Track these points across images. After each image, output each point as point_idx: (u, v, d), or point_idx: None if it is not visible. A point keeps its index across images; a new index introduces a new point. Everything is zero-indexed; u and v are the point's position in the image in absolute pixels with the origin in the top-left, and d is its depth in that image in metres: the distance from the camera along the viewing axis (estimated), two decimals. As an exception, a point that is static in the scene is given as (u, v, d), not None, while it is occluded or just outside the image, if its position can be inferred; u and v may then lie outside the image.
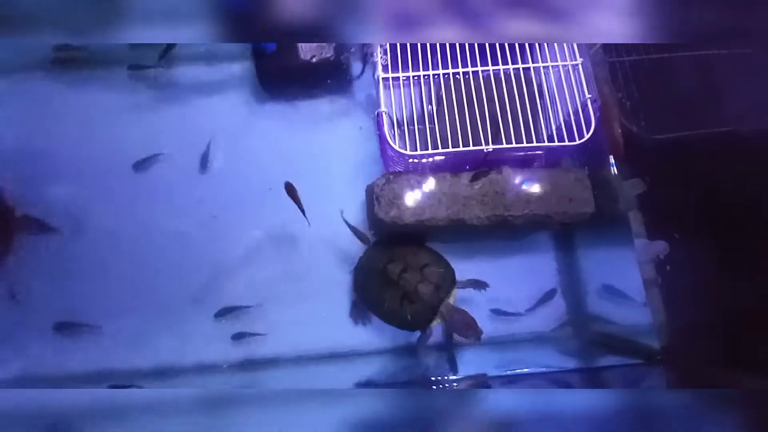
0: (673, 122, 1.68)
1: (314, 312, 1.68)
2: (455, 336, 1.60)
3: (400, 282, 1.49)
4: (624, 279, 1.65)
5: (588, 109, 1.48)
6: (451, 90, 1.60)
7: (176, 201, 1.79)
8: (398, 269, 1.50)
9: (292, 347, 1.65)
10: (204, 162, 1.81)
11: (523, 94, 1.54)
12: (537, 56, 1.63)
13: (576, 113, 1.50)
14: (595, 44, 1.75)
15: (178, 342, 1.64)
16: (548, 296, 1.69)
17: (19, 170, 1.80)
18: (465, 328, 1.45)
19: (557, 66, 1.57)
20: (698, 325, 1.48)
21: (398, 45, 1.58)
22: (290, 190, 1.49)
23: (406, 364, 1.67)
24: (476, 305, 1.63)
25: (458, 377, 1.55)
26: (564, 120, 1.55)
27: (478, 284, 1.60)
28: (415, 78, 1.60)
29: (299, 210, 1.50)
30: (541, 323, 1.69)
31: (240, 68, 1.92)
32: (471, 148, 1.49)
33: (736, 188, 1.48)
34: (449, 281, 1.52)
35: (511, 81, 1.56)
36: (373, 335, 1.68)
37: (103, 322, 1.65)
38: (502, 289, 1.68)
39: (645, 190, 1.62)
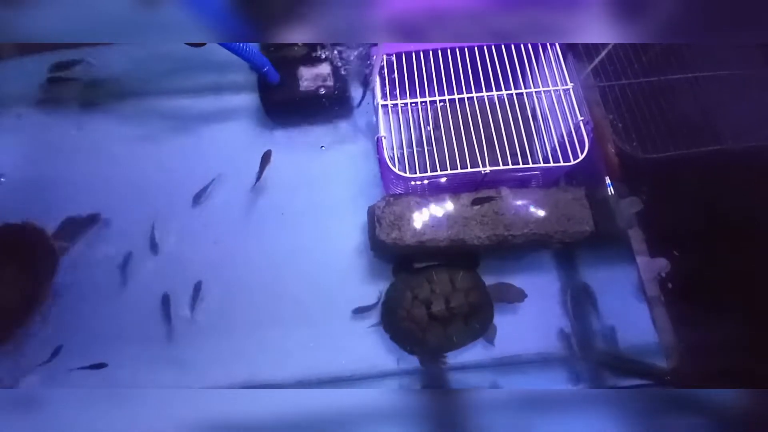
0: (664, 142, 1.72)
1: (315, 335, 1.67)
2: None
3: (454, 313, 1.55)
4: (627, 297, 1.64)
5: (581, 131, 1.52)
6: (448, 115, 1.65)
7: (183, 226, 1.82)
8: (443, 305, 1.54)
9: (292, 371, 1.63)
10: (200, 195, 1.86)
11: (518, 117, 1.60)
12: (529, 82, 1.70)
13: (570, 135, 1.54)
14: (585, 69, 1.83)
15: (176, 367, 1.62)
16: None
17: (33, 200, 1.85)
18: (509, 295, 1.66)
19: (549, 91, 1.63)
20: (706, 343, 1.46)
21: (396, 74, 1.66)
22: (266, 156, 1.79)
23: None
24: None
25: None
26: (558, 142, 1.59)
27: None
28: (413, 104, 1.66)
29: (259, 172, 1.78)
30: (546, 344, 1.67)
31: (246, 99, 2.00)
32: (469, 169, 1.53)
33: (731, 204, 1.50)
34: (474, 274, 1.64)
35: (506, 106, 1.62)
36: (373, 358, 1.65)
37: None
38: (505, 310, 1.67)
39: (642, 208, 1.64)
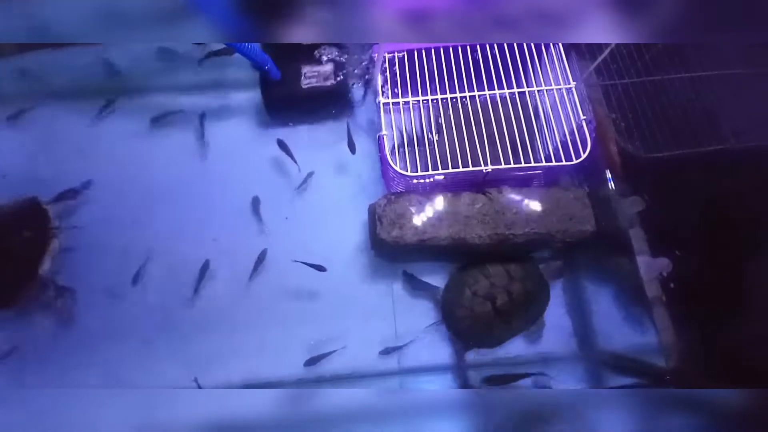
0: (667, 141, 1.72)
1: (315, 333, 1.67)
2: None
3: (517, 303, 1.57)
4: (628, 297, 1.64)
5: (583, 130, 1.52)
6: (449, 113, 1.65)
7: (181, 223, 1.82)
8: (507, 297, 1.57)
9: (292, 369, 1.63)
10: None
11: (520, 116, 1.59)
12: (531, 81, 1.69)
13: (572, 134, 1.54)
14: (588, 68, 1.82)
15: (177, 364, 1.63)
16: None
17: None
18: (559, 273, 1.72)
19: (552, 89, 1.62)
20: (707, 343, 1.46)
21: (398, 71, 1.65)
22: (282, 144, 1.82)
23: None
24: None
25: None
26: (561, 141, 1.58)
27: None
28: (415, 103, 1.66)
29: (291, 159, 1.82)
30: (547, 344, 1.67)
31: (247, 96, 2.00)
32: (471, 168, 1.52)
33: (734, 204, 1.50)
34: (525, 260, 1.66)
35: (508, 104, 1.62)
36: (374, 357, 1.65)
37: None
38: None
39: (644, 207, 1.64)
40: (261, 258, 1.74)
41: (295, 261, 1.64)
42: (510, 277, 1.59)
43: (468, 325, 1.58)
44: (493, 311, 1.56)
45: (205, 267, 1.72)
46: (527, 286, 1.59)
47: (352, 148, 1.77)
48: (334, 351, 1.62)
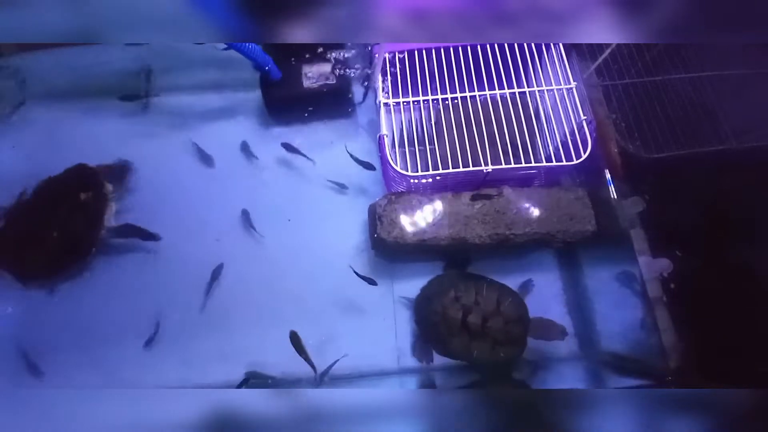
0: (667, 141, 1.72)
1: (315, 333, 1.67)
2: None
3: (487, 333, 1.49)
4: (629, 297, 1.63)
5: (584, 130, 1.52)
6: (450, 114, 1.65)
7: (185, 224, 1.82)
8: (479, 320, 1.49)
9: (292, 369, 1.62)
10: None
11: (520, 116, 1.59)
12: (532, 81, 1.69)
13: (572, 134, 1.54)
14: (589, 68, 1.83)
15: (178, 364, 1.63)
16: None
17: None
18: (549, 332, 1.56)
19: (552, 89, 1.62)
20: (707, 343, 1.46)
21: (398, 71, 1.65)
22: (288, 146, 1.81)
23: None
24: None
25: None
26: (561, 141, 1.58)
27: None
28: (415, 103, 1.66)
29: (303, 156, 1.81)
30: (547, 344, 1.66)
31: (247, 96, 2.00)
32: (471, 168, 1.52)
33: (734, 204, 1.50)
34: (522, 304, 1.56)
35: (508, 104, 1.62)
36: (373, 356, 1.65)
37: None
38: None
39: (644, 207, 1.64)
40: (246, 217, 1.76)
41: (351, 268, 1.63)
42: (497, 309, 1.51)
43: (434, 322, 1.53)
44: (461, 324, 1.50)
45: (218, 270, 1.71)
46: (510, 330, 1.49)
47: (369, 166, 1.76)
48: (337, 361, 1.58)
